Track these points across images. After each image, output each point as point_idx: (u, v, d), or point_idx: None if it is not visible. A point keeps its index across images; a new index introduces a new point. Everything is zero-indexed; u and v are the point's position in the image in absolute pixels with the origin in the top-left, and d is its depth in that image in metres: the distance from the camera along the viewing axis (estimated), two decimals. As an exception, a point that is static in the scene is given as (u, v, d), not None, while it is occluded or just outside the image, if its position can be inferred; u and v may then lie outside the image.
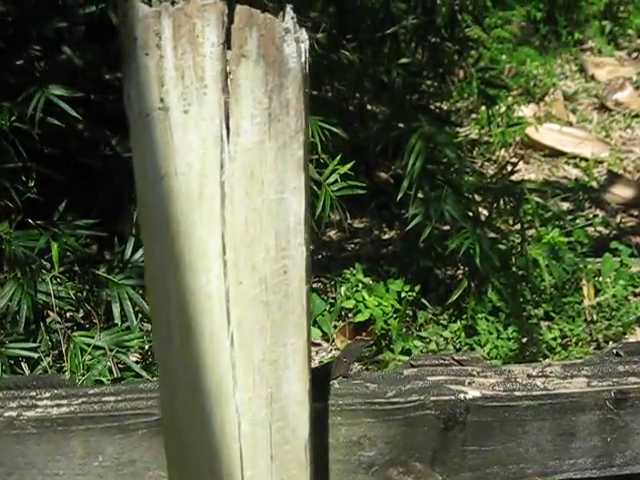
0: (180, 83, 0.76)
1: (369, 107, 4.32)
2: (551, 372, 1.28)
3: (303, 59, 0.77)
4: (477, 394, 1.24)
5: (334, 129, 2.85)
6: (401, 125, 3.12)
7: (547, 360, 1.41)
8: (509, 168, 3.34)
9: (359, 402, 1.24)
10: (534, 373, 1.28)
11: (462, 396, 1.24)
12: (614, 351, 1.32)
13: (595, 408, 1.26)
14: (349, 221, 4.06)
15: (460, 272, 3.46)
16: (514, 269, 3.38)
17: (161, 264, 0.83)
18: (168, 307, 0.84)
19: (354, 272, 3.46)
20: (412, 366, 1.31)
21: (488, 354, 3.11)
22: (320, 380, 1.27)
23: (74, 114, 2.62)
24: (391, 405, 1.24)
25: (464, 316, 3.24)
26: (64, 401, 1.26)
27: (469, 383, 1.26)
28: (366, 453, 1.26)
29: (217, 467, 0.91)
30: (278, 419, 0.89)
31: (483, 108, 4.69)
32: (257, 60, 0.75)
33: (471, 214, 3.13)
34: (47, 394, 1.27)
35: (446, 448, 1.27)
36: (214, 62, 0.75)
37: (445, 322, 3.31)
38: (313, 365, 1.34)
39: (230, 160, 0.78)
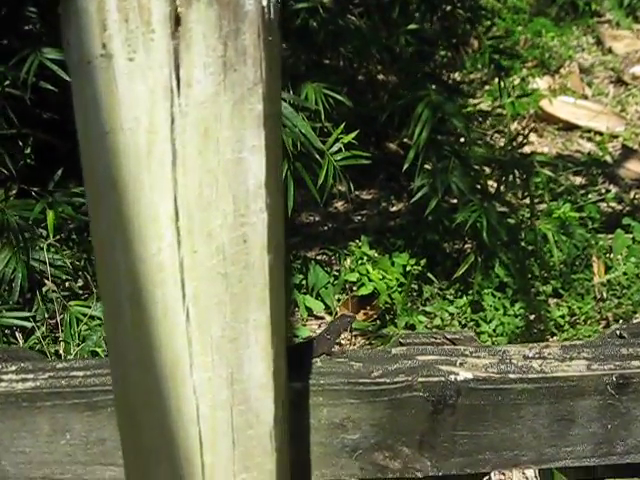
0: (124, 27, 0.67)
1: (380, 77, 4.23)
2: (549, 354, 1.20)
3: (265, 2, 0.68)
4: (469, 375, 1.17)
5: (339, 97, 2.77)
6: (409, 94, 3.03)
7: (555, 338, 1.33)
8: (520, 140, 3.25)
9: (342, 382, 1.17)
10: (531, 354, 1.20)
11: (453, 377, 1.17)
12: (617, 332, 1.24)
13: (595, 393, 1.18)
14: (356, 192, 3.99)
15: (468, 246, 3.38)
16: (523, 244, 3.30)
17: (108, 230, 0.75)
18: (117, 278, 0.76)
19: (359, 244, 3.38)
20: (401, 344, 1.24)
21: (494, 331, 3.03)
22: (301, 358, 1.19)
23: (67, 78, 2.53)
24: (376, 386, 1.17)
25: (470, 291, 3.16)
26: (30, 375, 1.19)
27: (461, 364, 1.19)
28: (350, 436, 1.19)
29: (174, 451, 0.83)
30: (240, 402, 0.81)
31: (497, 80, 4.61)
32: (209, 2, 0.66)
33: (479, 187, 3.04)
34: (13, 367, 1.20)
35: (435, 432, 1.19)
36: (161, 3, 0.66)
37: (451, 297, 3.23)
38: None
39: (181, 115, 0.69)
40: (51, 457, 1.21)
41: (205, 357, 0.79)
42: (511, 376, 1.17)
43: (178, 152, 0.70)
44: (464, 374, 1.17)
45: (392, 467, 1.21)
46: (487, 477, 1.26)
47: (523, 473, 2.56)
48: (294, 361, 1.13)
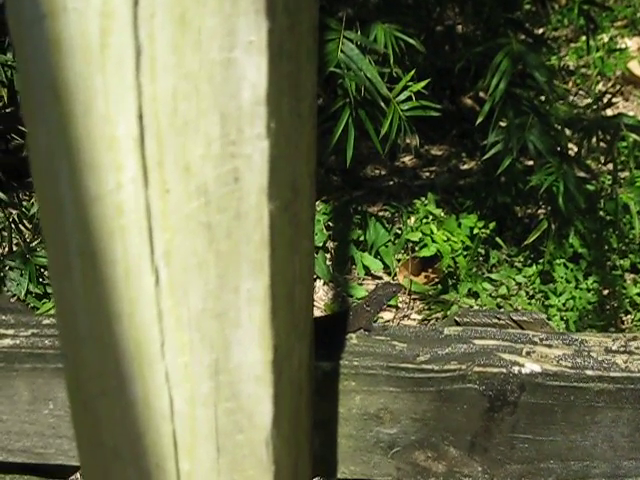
0: None
1: (460, 29, 4.01)
2: (637, 348, 0.98)
3: None
4: (536, 368, 0.96)
5: (411, 40, 2.53)
6: (488, 42, 2.78)
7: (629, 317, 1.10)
8: (605, 100, 2.98)
9: (380, 365, 0.96)
10: (614, 347, 0.98)
11: (517, 369, 0.96)
12: None
13: (692, 400, 0.95)
14: (427, 147, 3.76)
15: (541, 212, 3.14)
16: (601, 213, 3.05)
17: (49, 157, 0.54)
18: (63, 224, 0.56)
19: (425, 202, 3.16)
20: (456, 323, 1.02)
21: (563, 305, 2.80)
22: (332, 332, 0.99)
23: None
24: (422, 373, 0.96)
25: (541, 260, 2.93)
26: (10, 331, 1.00)
27: (528, 353, 0.97)
28: (386, 430, 0.99)
29: (142, 453, 0.63)
30: (227, 398, 0.61)
31: (584, 38, 4.34)
32: None
33: (558, 148, 2.79)
34: (-9, 320, 1.02)
35: (490, 433, 0.98)
36: None
37: (519, 265, 3.00)
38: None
39: (148, -9, 0.48)
40: (32, 428, 1.03)
41: (181, 335, 0.58)
42: (589, 372, 0.95)
43: (143, 47, 0.49)
44: (531, 366, 0.96)
45: (435, 470, 1.01)
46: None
47: None
48: (323, 336, 0.93)
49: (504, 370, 0.96)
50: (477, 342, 0.98)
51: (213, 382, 0.60)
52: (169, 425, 0.62)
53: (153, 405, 0.61)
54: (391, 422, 0.98)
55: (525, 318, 1.01)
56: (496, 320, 1.02)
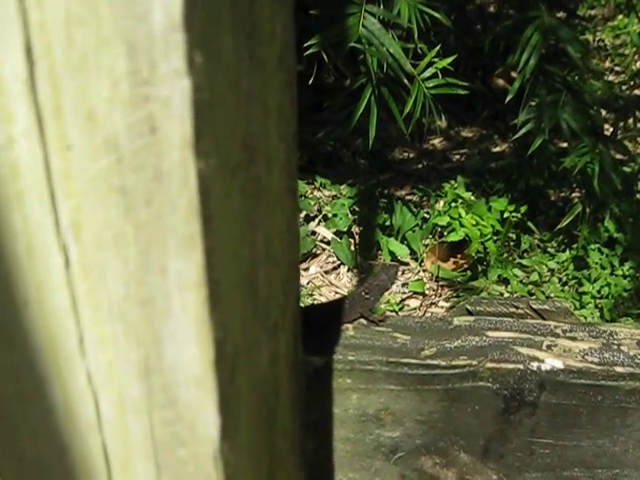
0: None
1: (492, 9, 3.91)
2: (674, 340, 0.86)
3: None
4: (558, 364, 0.84)
5: (436, 14, 2.41)
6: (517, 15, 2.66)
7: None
8: (644, 77, 2.86)
9: (379, 360, 0.85)
10: (648, 340, 0.86)
11: (535, 365, 0.85)
12: None
13: None
14: (457, 129, 3.65)
15: (575, 195, 3.02)
16: (638, 196, 2.92)
17: None
18: (-53, 187, 0.45)
19: (455, 186, 3.04)
20: (468, 312, 0.91)
21: (598, 292, 2.69)
22: (324, 323, 0.88)
23: None
24: (427, 369, 0.85)
25: (575, 245, 2.82)
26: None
27: (548, 346, 0.86)
28: (387, 433, 0.88)
29: (70, 469, 0.52)
30: (162, 405, 0.49)
31: (620, 17, 4.24)
32: None
33: (593, 127, 2.66)
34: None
35: (506, 437, 0.87)
36: None
37: (552, 251, 2.91)
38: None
39: None
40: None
41: (101, 327, 0.47)
42: (618, 369, 0.84)
43: (23, -44, 0.38)
44: (552, 362, 0.84)
45: (444, 477, 0.90)
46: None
47: None
48: (313, 327, 0.82)
49: (521, 366, 0.85)
50: (491, 334, 0.87)
51: (144, 384, 0.49)
52: (97, 436, 0.51)
53: (76, 411, 0.50)
54: (393, 424, 0.87)
55: (546, 307, 0.90)
56: (513, 309, 0.90)
